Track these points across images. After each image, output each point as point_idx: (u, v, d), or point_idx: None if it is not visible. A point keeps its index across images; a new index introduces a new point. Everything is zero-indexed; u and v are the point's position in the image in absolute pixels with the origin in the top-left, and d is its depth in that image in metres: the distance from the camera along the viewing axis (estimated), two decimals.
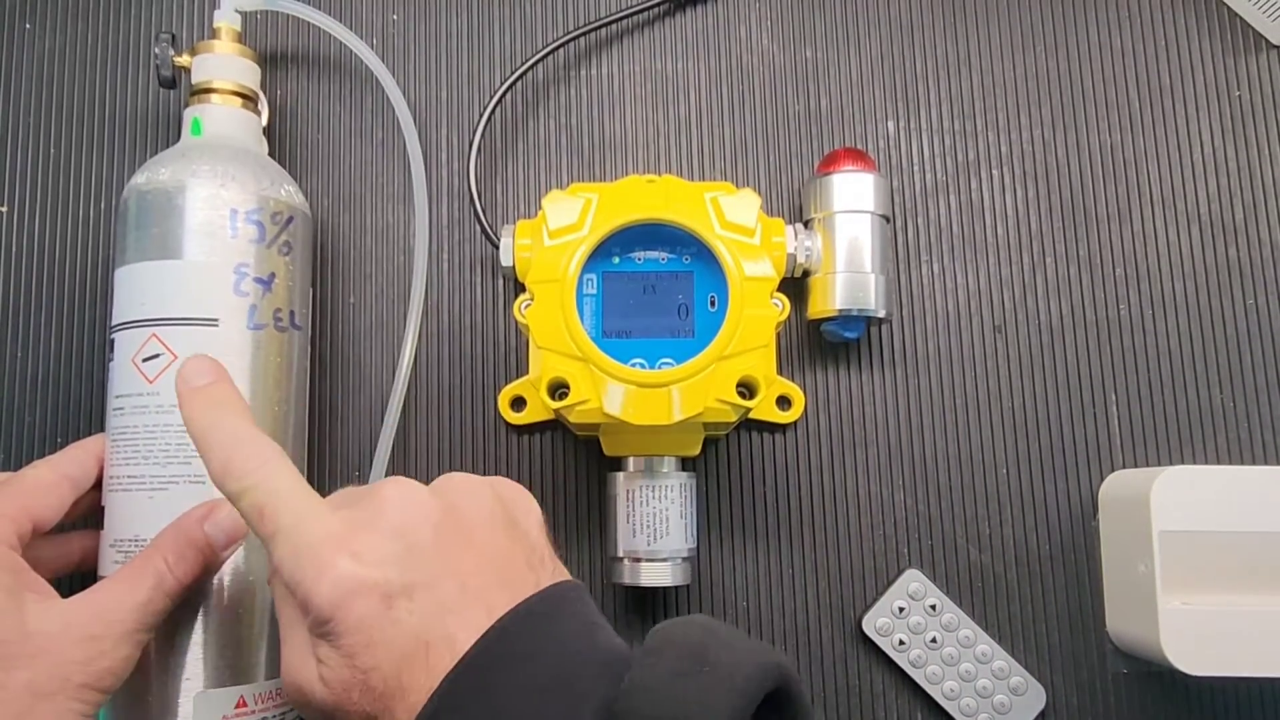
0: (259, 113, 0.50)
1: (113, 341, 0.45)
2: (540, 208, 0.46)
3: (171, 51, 0.49)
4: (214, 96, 0.48)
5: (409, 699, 0.32)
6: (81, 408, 0.52)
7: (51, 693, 0.37)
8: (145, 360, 0.43)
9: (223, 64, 0.49)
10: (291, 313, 0.47)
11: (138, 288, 0.44)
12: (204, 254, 0.44)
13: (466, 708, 0.31)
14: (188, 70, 0.49)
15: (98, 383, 0.53)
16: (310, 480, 0.45)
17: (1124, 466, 0.52)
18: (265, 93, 0.52)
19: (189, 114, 0.48)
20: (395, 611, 0.32)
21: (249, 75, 0.49)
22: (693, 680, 0.31)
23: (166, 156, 0.46)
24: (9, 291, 0.53)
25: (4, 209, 0.54)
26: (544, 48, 0.54)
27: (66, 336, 0.53)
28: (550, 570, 0.36)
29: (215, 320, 0.44)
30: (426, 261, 0.51)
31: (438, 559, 0.33)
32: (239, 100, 0.49)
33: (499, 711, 0.31)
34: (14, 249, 0.54)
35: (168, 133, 0.55)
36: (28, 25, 0.56)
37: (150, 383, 0.43)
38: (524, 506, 0.37)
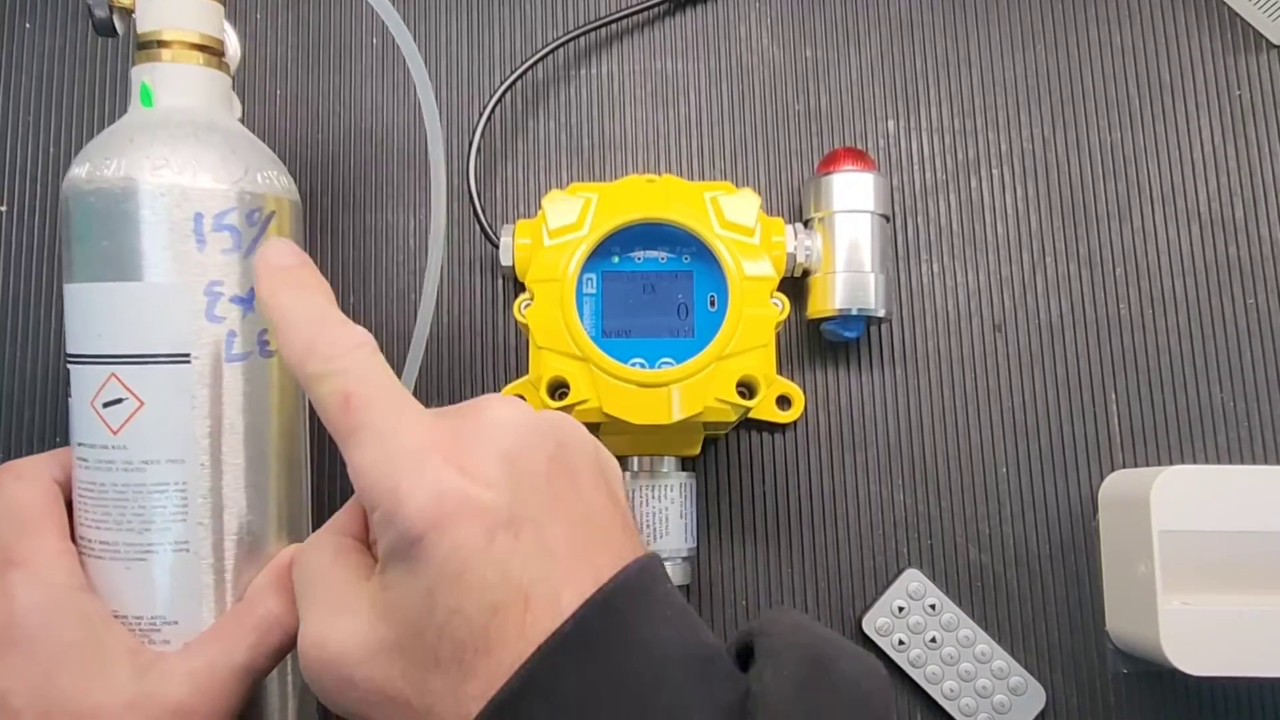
0: (226, 65, 0.40)
1: (67, 372, 0.37)
2: (540, 207, 0.46)
3: None
4: (165, 53, 0.38)
5: (494, 656, 0.26)
6: None
7: None
8: (106, 406, 0.36)
9: (174, 6, 0.38)
10: None
11: (91, 315, 0.36)
12: (167, 274, 0.36)
13: (562, 686, 0.26)
14: (130, 13, 0.39)
15: None
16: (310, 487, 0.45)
17: (1124, 466, 0.52)
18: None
19: (136, 76, 0.38)
20: (496, 546, 0.27)
21: (210, 19, 0.39)
22: (823, 697, 0.28)
23: (111, 140, 0.37)
24: (8, 289, 0.53)
25: (3, 208, 0.54)
26: (544, 48, 0.54)
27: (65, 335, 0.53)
28: (636, 539, 0.31)
29: (186, 355, 0.36)
30: (439, 273, 0.48)
31: (548, 497, 0.29)
32: (200, 55, 0.38)
33: (599, 698, 0.26)
34: (13, 247, 0.54)
35: None
36: (27, 24, 0.56)
37: (114, 434, 0.36)
38: (617, 468, 0.33)
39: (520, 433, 0.30)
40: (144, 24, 0.38)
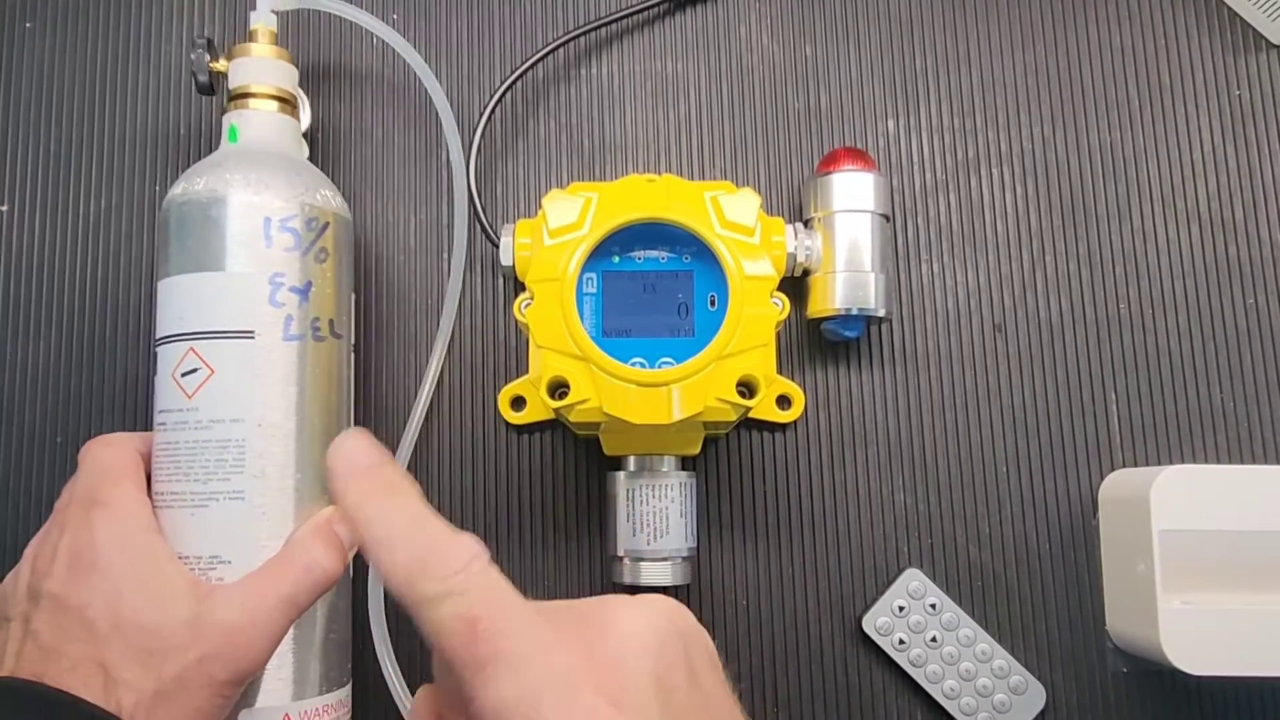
0: (298, 116, 0.49)
1: (156, 355, 0.45)
2: (540, 207, 0.46)
3: (208, 57, 0.49)
4: (250, 101, 0.48)
5: None
6: (81, 407, 0.52)
7: (196, 689, 0.37)
8: (184, 375, 0.43)
9: (258, 67, 0.48)
10: (331, 321, 0.46)
11: (176, 301, 0.44)
12: (238, 265, 0.43)
13: None
14: (224, 75, 0.49)
15: (98, 382, 0.53)
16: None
17: (1124, 466, 0.52)
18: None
19: (226, 120, 0.48)
20: None
21: (285, 78, 0.49)
22: None
23: (203, 166, 0.46)
24: (9, 290, 0.53)
25: (4, 208, 0.54)
26: (544, 47, 0.54)
27: (66, 335, 0.53)
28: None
29: (251, 332, 0.43)
30: (461, 279, 0.52)
31: (688, 717, 0.27)
32: (275, 104, 0.48)
33: None
34: (14, 248, 0.54)
35: (168, 130, 0.55)
36: (28, 24, 0.56)
37: (189, 398, 0.43)
38: (713, 648, 0.31)
39: (659, 647, 0.28)
40: (234, 81, 0.48)
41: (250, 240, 0.44)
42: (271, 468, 0.43)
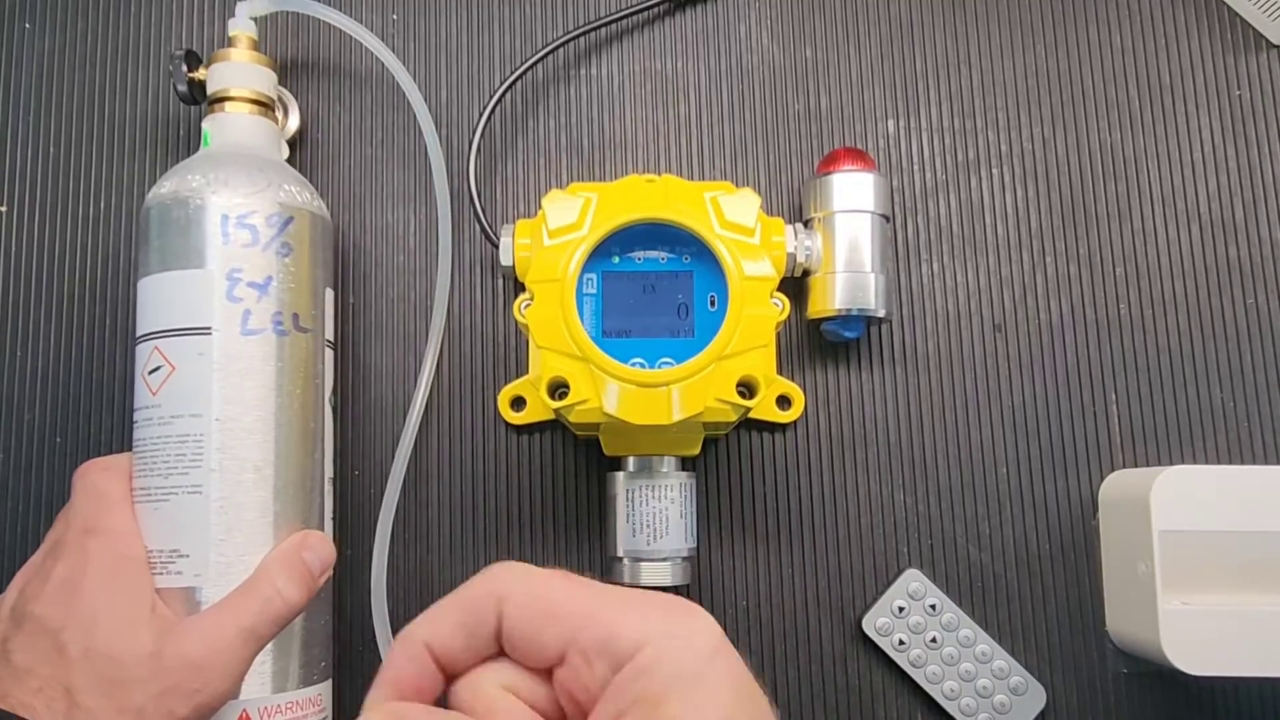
0: (275, 117, 0.50)
1: (135, 355, 0.46)
2: (540, 207, 0.45)
3: (185, 67, 0.49)
4: (227, 105, 0.48)
5: None
6: (80, 405, 0.52)
7: None
8: (150, 373, 0.44)
9: (232, 72, 0.49)
10: (295, 315, 0.45)
11: (146, 302, 0.45)
12: (196, 262, 0.44)
13: None
14: (203, 83, 0.50)
15: (96, 381, 0.53)
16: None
17: (1124, 466, 0.52)
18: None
19: (203, 125, 0.49)
20: None
21: (260, 81, 0.49)
22: None
23: (173, 171, 0.47)
24: (8, 290, 0.53)
25: (3, 208, 0.54)
26: (544, 48, 0.54)
27: (65, 334, 0.53)
28: None
29: (208, 329, 0.43)
30: (450, 272, 0.52)
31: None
32: (249, 106, 0.48)
33: None
34: (13, 248, 0.54)
35: (167, 130, 0.55)
36: (27, 25, 0.56)
37: (154, 395, 0.44)
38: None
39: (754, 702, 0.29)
40: (211, 87, 0.49)
41: (208, 238, 0.44)
42: (231, 462, 0.43)
